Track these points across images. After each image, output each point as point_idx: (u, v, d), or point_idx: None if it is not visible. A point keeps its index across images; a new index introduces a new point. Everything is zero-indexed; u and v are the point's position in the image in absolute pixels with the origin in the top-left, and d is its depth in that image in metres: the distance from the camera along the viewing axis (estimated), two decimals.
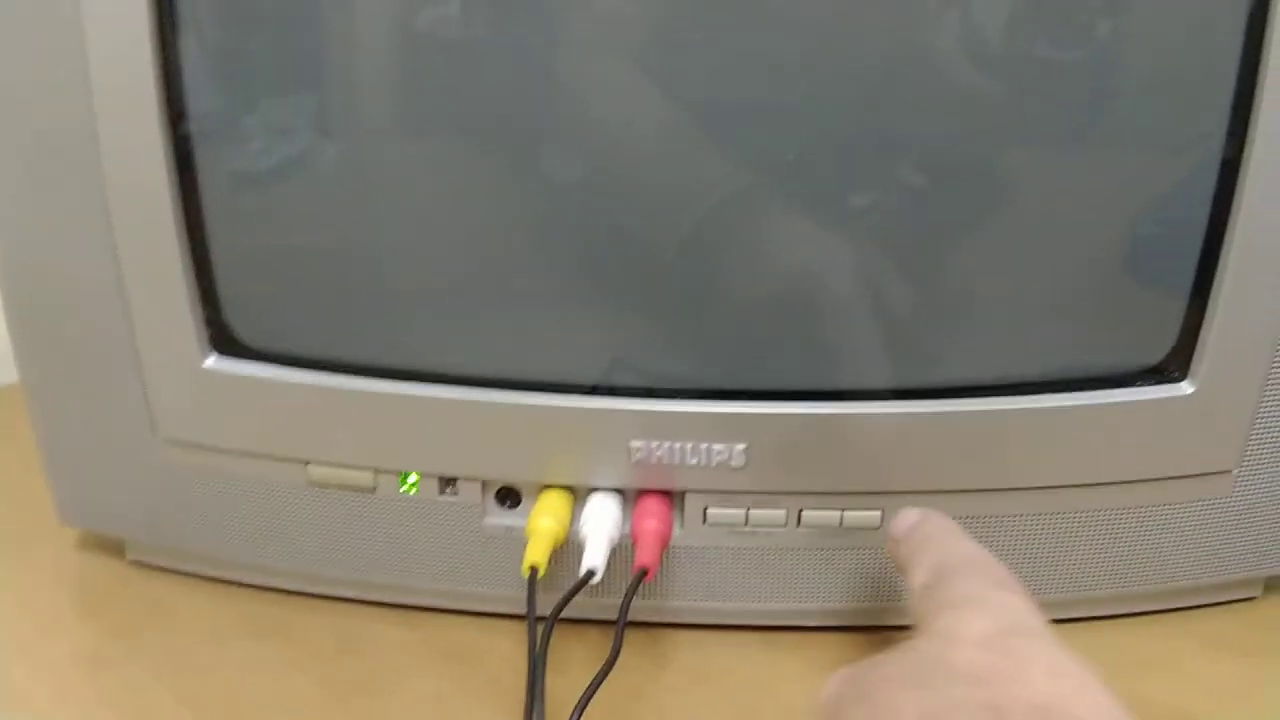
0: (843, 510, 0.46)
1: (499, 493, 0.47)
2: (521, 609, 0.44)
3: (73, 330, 0.46)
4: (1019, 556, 0.47)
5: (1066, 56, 0.41)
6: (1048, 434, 0.45)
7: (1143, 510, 0.47)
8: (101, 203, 0.43)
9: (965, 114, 0.42)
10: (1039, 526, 0.47)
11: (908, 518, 0.42)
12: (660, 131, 0.42)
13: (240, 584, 0.52)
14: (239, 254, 0.45)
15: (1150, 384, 0.45)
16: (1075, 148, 0.43)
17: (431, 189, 0.44)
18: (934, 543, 0.40)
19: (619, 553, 0.46)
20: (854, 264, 0.44)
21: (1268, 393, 0.44)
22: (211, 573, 0.52)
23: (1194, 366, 0.44)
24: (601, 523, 0.45)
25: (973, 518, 0.46)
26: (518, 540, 0.47)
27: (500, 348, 0.46)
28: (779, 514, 0.46)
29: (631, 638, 0.48)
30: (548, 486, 0.47)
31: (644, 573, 0.44)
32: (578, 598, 0.44)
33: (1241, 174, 0.41)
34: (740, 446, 0.45)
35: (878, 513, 0.46)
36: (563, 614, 0.44)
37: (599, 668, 0.42)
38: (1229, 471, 0.46)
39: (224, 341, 0.46)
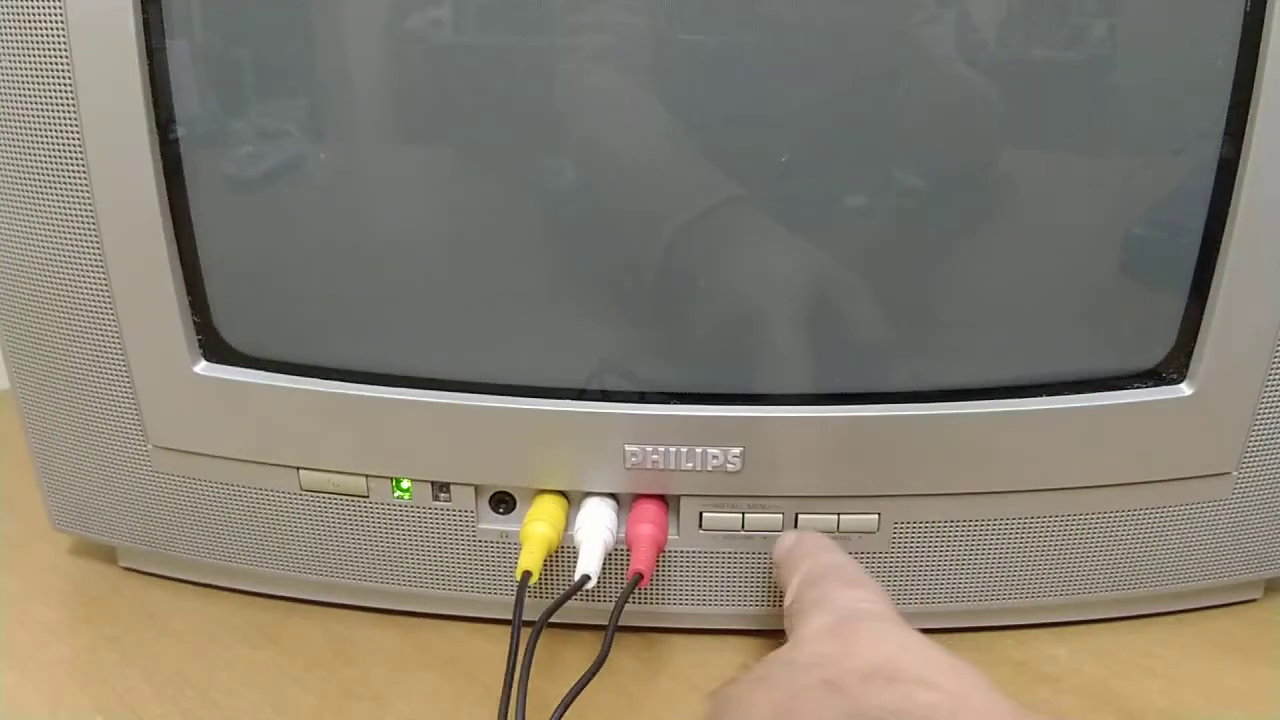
0: (839, 514, 0.46)
1: (493, 498, 0.47)
2: None
3: (63, 337, 0.46)
4: (1018, 560, 0.47)
5: (1063, 57, 0.41)
6: (1046, 436, 0.45)
7: (1142, 513, 0.46)
8: (90, 209, 0.43)
9: (960, 115, 0.42)
10: (1038, 530, 0.47)
11: (784, 541, 0.44)
12: (652, 136, 0.42)
13: (233, 590, 0.52)
14: (228, 260, 0.45)
15: (1149, 386, 0.44)
16: (1072, 149, 0.42)
17: (422, 194, 0.44)
18: (803, 561, 0.42)
19: (614, 558, 0.46)
20: (849, 267, 0.44)
21: (1266, 394, 0.44)
22: (204, 579, 0.52)
23: (1193, 368, 0.44)
24: (596, 528, 0.45)
25: (971, 521, 0.46)
26: (512, 546, 0.47)
27: (493, 352, 0.46)
28: (775, 518, 0.46)
29: (626, 643, 0.48)
30: (542, 492, 0.46)
31: (639, 578, 0.44)
32: (574, 603, 0.43)
33: (1239, 175, 0.41)
34: (735, 450, 0.44)
35: (875, 516, 0.46)
36: (559, 619, 0.43)
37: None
38: (1228, 473, 0.46)
39: (214, 348, 0.46)
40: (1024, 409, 0.44)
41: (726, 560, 0.47)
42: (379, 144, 0.44)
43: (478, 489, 0.47)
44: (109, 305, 0.45)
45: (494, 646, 0.49)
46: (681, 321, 0.45)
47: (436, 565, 0.48)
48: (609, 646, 0.42)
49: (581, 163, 0.43)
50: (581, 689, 0.41)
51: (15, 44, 0.41)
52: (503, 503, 0.47)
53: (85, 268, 0.44)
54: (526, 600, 0.43)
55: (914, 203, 0.43)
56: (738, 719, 0.33)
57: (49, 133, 0.42)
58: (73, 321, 0.45)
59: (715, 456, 0.45)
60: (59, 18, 0.40)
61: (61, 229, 0.44)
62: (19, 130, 0.43)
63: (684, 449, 0.45)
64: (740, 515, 0.46)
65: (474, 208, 0.44)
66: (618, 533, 0.46)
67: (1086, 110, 0.42)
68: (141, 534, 0.50)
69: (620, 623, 0.43)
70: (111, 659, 0.48)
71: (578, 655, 0.47)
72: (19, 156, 0.43)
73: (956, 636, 0.48)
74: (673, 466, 0.45)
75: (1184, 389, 0.44)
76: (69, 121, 0.42)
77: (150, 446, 0.47)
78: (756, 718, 0.33)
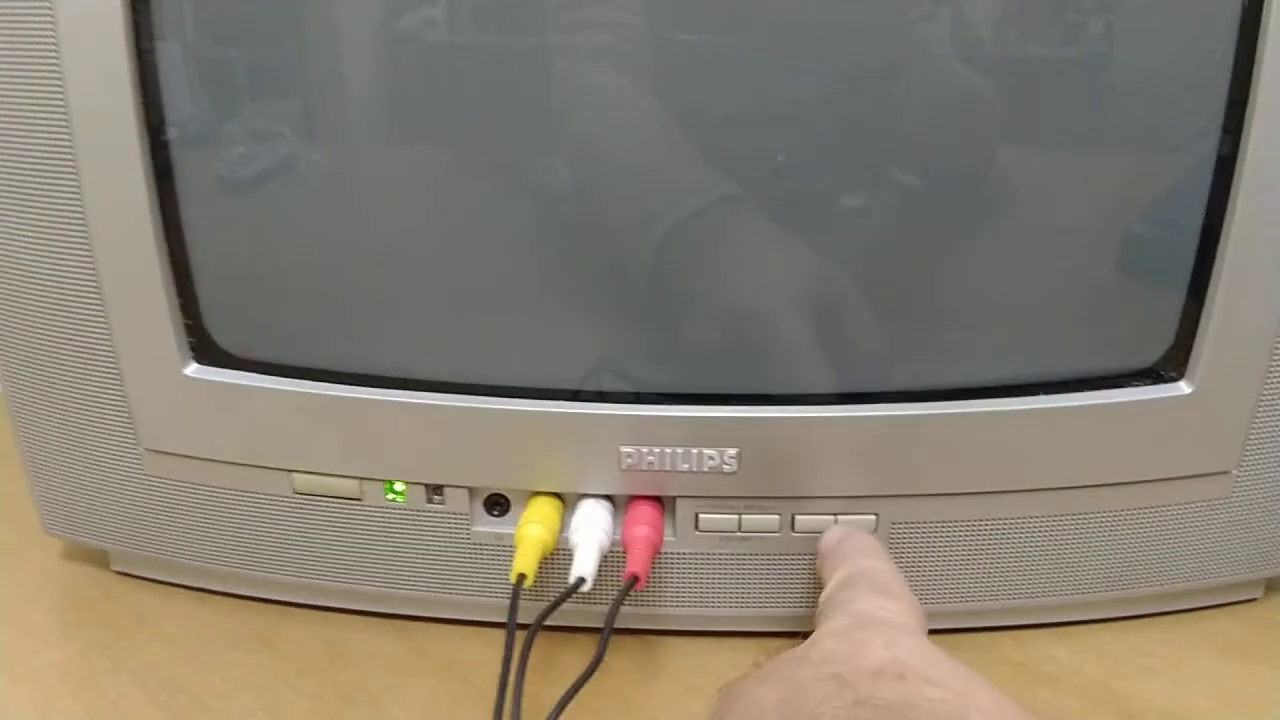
0: (836, 515, 0.46)
1: (487, 500, 0.47)
2: None
3: (53, 340, 0.46)
4: (1016, 560, 0.47)
5: (1060, 55, 0.40)
6: (1044, 435, 0.44)
7: (1141, 512, 0.46)
8: (80, 211, 0.43)
9: (957, 114, 0.41)
10: (1036, 529, 0.46)
11: (830, 535, 0.44)
12: (645, 134, 0.42)
13: (226, 595, 0.52)
14: (220, 262, 0.45)
15: (1147, 384, 0.44)
16: (1070, 147, 0.42)
17: (415, 195, 0.44)
18: (845, 562, 0.42)
19: (610, 560, 0.46)
20: (845, 266, 0.44)
21: (1266, 392, 0.44)
22: (197, 584, 0.52)
23: (1191, 366, 0.44)
24: (591, 530, 0.45)
25: (969, 521, 0.46)
26: (506, 549, 0.46)
27: (487, 353, 0.45)
28: (772, 519, 0.46)
29: (623, 645, 0.48)
30: (536, 494, 0.46)
31: (634, 580, 0.44)
32: (571, 606, 0.43)
33: (1238, 172, 0.41)
34: (732, 451, 0.44)
35: (873, 517, 0.46)
36: (554, 622, 0.43)
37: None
38: (1228, 472, 0.46)
39: (205, 350, 0.45)
40: (1022, 408, 0.44)
41: (723, 562, 0.47)
42: (372, 145, 0.44)
43: (472, 491, 0.46)
44: (99, 308, 0.44)
45: (489, 650, 0.48)
46: (677, 321, 0.45)
47: (430, 568, 0.48)
48: (604, 649, 0.42)
49: (575, 163, 0.43)
50: (576, 691, 0.40)
51: (4, 45, 0.41)
52: (497, 505, 0.47)
53: (75, 270, 0.44)
54: (522, 603, 0.43)
55: (910, 202, 0.43)
56: (745, 713, 0.33)
57: (38, 134, 0.42)
58: (63, 324, 0.45)
59: (711, 457, 0.44)
60: (48, 19, 0.40)
61: (51, 231, 0.43)
62: (8, 131, 0.42)
63: (680, 450, 0.44)
64: (737, 516, 0.46)
65: (467, 208, 0.44)
66: (613, 535, 0.46)
67: (1084, 108, 0.41)
68: (133, 538, 0.50)
69: (616, 625, 0.43)
70: (103, 664, 0.48)
71: (573, 658, 0.47)
72: (8, 157, 0.43)
73: (955, 637, 0.48)
74: (669, 468, 0.45)
75: (1183, 387, 0.44)
76: (59, 123, 0.42)
77: (141, 450, 0.47)
78: (763, 711, 0.33)
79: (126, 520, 0.49)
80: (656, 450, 0.44)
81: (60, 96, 0.41)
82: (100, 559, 0.53)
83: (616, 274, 0.44)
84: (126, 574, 0.53)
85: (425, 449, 0.45)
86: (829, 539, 0.44)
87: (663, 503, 0.46)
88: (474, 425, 0.45)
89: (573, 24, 0.41)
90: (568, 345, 0.45)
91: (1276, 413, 0.45)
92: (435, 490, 0.46)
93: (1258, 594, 0.51)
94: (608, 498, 0.46)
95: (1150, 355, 0.44)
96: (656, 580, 0.47)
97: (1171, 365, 0.44)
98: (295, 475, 0.46)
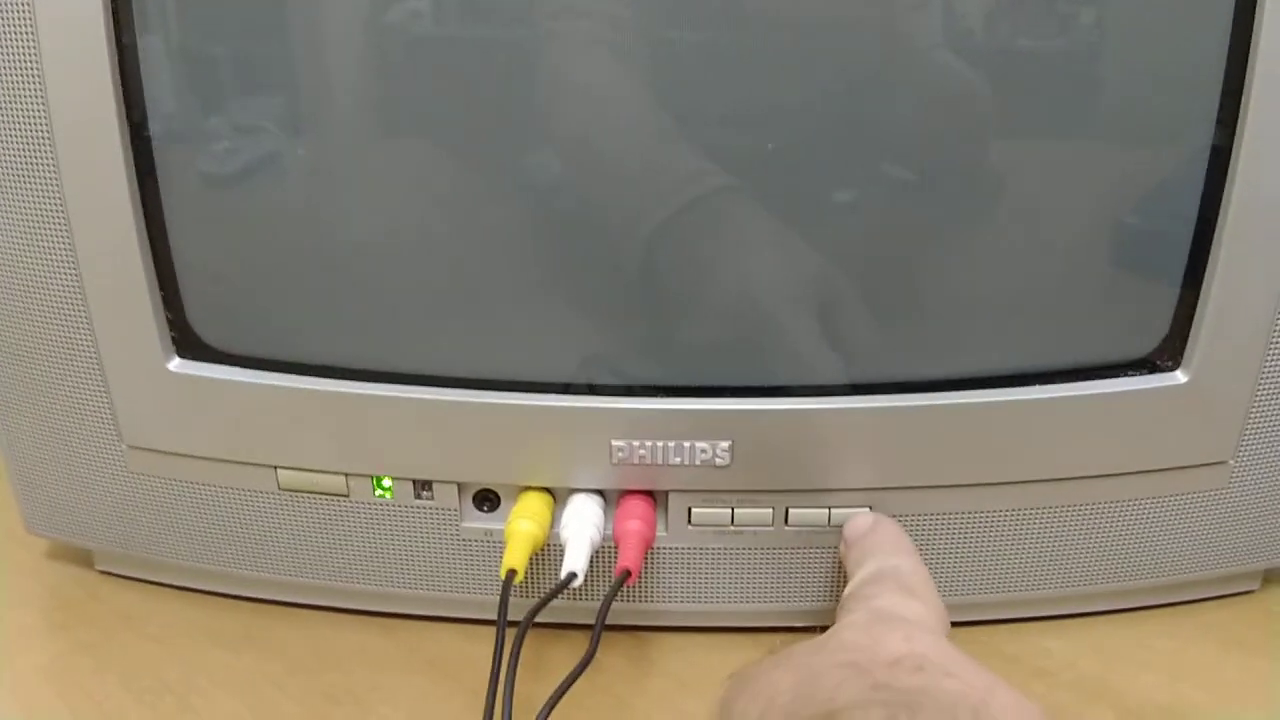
0: (830, 508, 0.45)
1: (476, 496, 0.46)
2: None
3: (34, 335, 0.45)
4: (1011, 552, 0.47)
5: (1051, 46, 0.40)
6: (1039, 426, 0.44)
7: (1137, 503, 0.46)
8: (60, 205, 0.42)
9: (950, 106, 0.41)
10: (1031, 521, 0.46)
11: (859, 523, 0.44)
12: (635, 127, 0.42)
13: (212, 593, 0.51)
14: (203, 256, 0.44)
15: (1143, 374, 0.44)
16: (1064, 138, 0.42)
17: (402, 188, 0.44)
18: (873, 555, 0.42)
19: (601, 555, 0.46)
20: (838, 258, 0.43)
21: (1262, 382, 0.44)
22: (182, 582, 0.51)
23: (1188, 356, 0.43)
24: (582, 525, 0.44)
25: (963, 513, 0.46)
26: (496, 545, 0.46)
27: (474, 346, 0.45)
28: (765, 513, 0.45)
29: (616, 642, 0.48)
30: (527, 489, 0.46)
31: (627, 574, 0.43)
32: (562, 602, 0.43)
33: (1233, 162, 0.40)
34: (724, 444, 0.44)
35: (867, 509, 0.45)
36: (545, 619, 0.43)
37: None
38: (1225, 462, 0.45)
39: (188, 344, 0.45)
40: (1017, 398, 0.43)
41: (716, 556, 0.47)
42: (358, 139, 0.43)
43: (461, 487, 0.46)
44: (80, 303, 0.44)
45: (479, 647, 0.48)
46: (669, 314, 0.45)
47: (419, 565, 0.48)
48: (596, 645, 0.41)
49: (564, 155, 0.42)
50: (567, 688, 0.40)
51: None
52: (487, 501, 0.46)
53: (56, 264, 0.43)
54: (512, 600, 0.42)
55: (903, 194, 0.42)
56: (758, 697, 0.33)
57: (17, 128, 0.41)
58: (44, 319, 0.44)
59: (704, 451, 0.44)
60: (27, 13, 0.39)
61: (31, 225, 0.43)
62: None
63: (672, 443, 0.44)
64: (730, 510, 0.45)
65: (455, 201, 0.43)
66: (605, 530, 0.45)
67: (1078, 99, 0.41)
68: (118, 536, 0.49)
69: (608, 621, 0.42)
70: (88, 664, 0.47)
71: (565, 655, 0.47)
72: None
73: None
74: (660, 461, 0.44)
75: (1179, 377, 0.44)
76: (38, 116, 0.41)
77: (125, 447, 0.47)
78: (776, 695, 0.32)
79: (110, 518, 0.49)
80: (648, 444, 0.44)
81: (40, 91, 0.40)
82: (84, 558, 0.53)
83: (607, 267, 0.44)
84: (111, 573, 0.52)
85: (413, 444, 0.45)
86: (857, 527, 0.44)
87: (655, 497, 0.46)
88: (463, 419, 0.44)
89: (560, 15, 0.40)
90: (558, 338, 0.45)
91: (1273, 402, 0.44)
92: (424, 486, 0.46)
93: (1255, 586, 0.51)
94: (599, 492, 0.46)
95: (1146, 345, 0.44)
96: (648, 575, 0.47)
97: (1167, 355, 0.44)
98: (281, 471, 0.46)
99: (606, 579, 0.46)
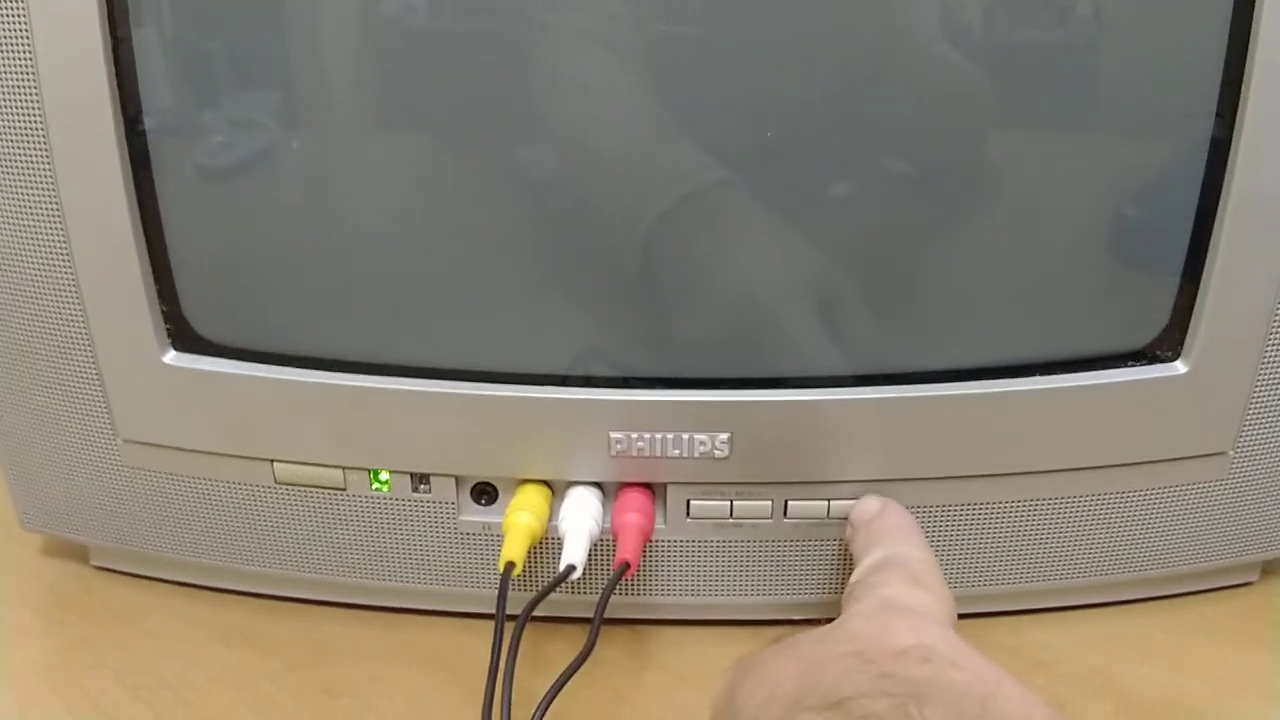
0: (829, 500, 0.45)
1: (474, 489, 0.46)
2: None
3: (27, 328, 0.45)
4: (1010, 544, 0.47)
5: (1050, 38, 0.40)
6: (1039, 417, 0.44)
7: (1137, 494, 0.46)
8: (54, 197, 0.42)
9: (949, 99, 0.41)
10: (1030, 513, 0.46)
11: (866, 508, 0.44)
12: (633, 120, 0.42)
13: (208, 588, 0.51)
14: (199, 249, 0.44)
15: (1143, 365, 0.44)
16: (1064, 130, 0.42)
17: (397, 181, 0.43)
18: (880, 544, 0.41)
19: (600, 549, 0.45)
20: (836, 250, 0.43)
21: (1262, 372, 0.44)
22: (178, 577, 0.51)
23: (1187, 346, 0.43)
24: (581, 518, 0.44)
25: (962, 505, 0.46)
26: (494, 538, 0.46)
27: (473, 339, 0.45)
28: (764, 505, 0.45)
29: (614, 636, 0.48)
30: (525, 481, 0.46)
31: (625, 567, 0.43)
32: (559, 595, 0.43)
33: (1233, 154, 0.40)
34: (723, 436, 0.44)
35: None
36: (543, 612, 0.43)
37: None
38: (1224, 453, 0.45)
39: (184, 337, 0.44)
40: (1016, 389, 0.43)
41: (715, 549, 0.46)
42: (353, 132, 0.43)
43: (458, 480, 0.46)
44: (75, 296, 0.43)
45: (477, 641, 0.47)
46: (666, 307, 0.44)
47: (417, 559, 0.47)
48: (595, 638, 0.41)
49: (561, 148, 0.42)
50: (566, 682, 0.40)
51: None
52: (484, 494, 0.46)
53: (50, 258, 0.43)
54: (510, 593, 0.42)
55: (903, 186, 0.42)
56: (762, 685, 0.33)
57: (11, 121, 0.41)
58: (38, 313, 0.44)
59: (703, 443, 0.44)
60: (22, 6, 0.39)
61: (26, 218, 0.42)
62: None
63: (670, 435, 0.44)
64: (729, 502, 0.45)
65: (451, 194, 0.43)
66: (603, 523, 0.45)
67: (1076, 91, 0.41)
68: (113, 531, 0.49)
69: (607, 615, 0.42)
70: (84, 660, 0.47)
71: (563, 648, 0.46)
72: None
73: None
74: (659, 454, 0.44)
75: (1178, 367, 0.44)
76: (32, 110, 0.40)
77: (120, 440, 0.46)
78: (781, 683, 0.32)
79: (105, 513, 0.49)
80: (647, 436, 0.44)
81: (34, 85, 0.40)
82: (80, 554, 0.53)
83: (605, 261, 0.44)
84: (106, 569, 0.52)
85: (411, 437, 0.45)
86: (864, 511, 0.43)
87: (653, 489, 0.46)
88: (460, 412, 0.44)
89: (557, 8, 0.40)
90: (556, 331, 0.44)
91: (1272, 393, 0.44)
92: (421, 479, 0.46)
93: (1253, 578, 0.51)
94: (597, 485, 0.46)
95: (1146, 336, 0.44)
96: (647, 568, 0.47)
97: (1167, 345, 0.44)
98: (277, 465, 0.46)
99: (605, 572, 0.46)
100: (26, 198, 0.42)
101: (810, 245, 0.43)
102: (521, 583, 0.47)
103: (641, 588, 0.47)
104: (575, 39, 0.40)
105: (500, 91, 0.41)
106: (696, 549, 0.47)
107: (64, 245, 0.43)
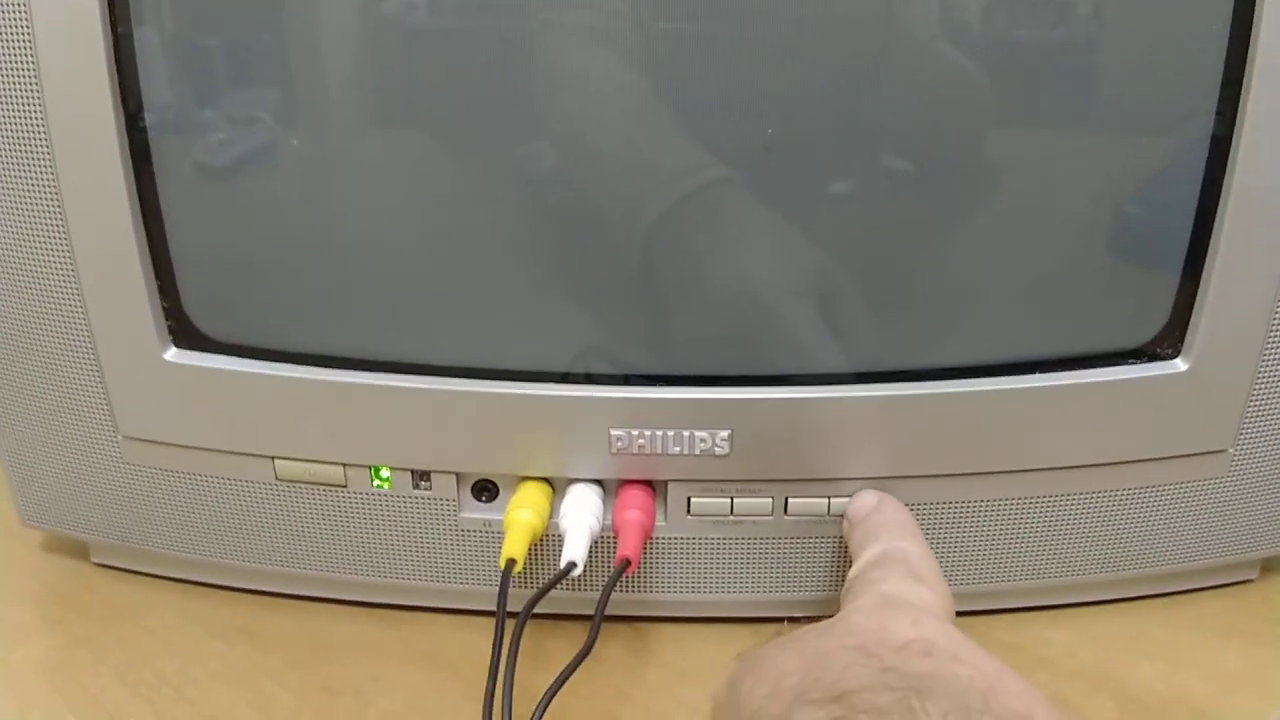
0: (830, 497, 0.45)
1: (475, 486, 0.46)
2: None
3: (29, 325, 0.45)
4: (1011, 542, 0.47)
5: (1050, 36, 0.40)
6: (1039, 415, 0.44)
7: (1137, 492, 0.46)
8: (55, 194, 0.42)
9: (949, 96, 0.41)
10: (1031, 510, 0.46)
11: (863, 502, 0.44)
12: (633, 118, 0.42)
13: (209, 586, 0.51)
14: (199, 246, 0.44)
15: (1143, 362, 0.44)
16: (1064, 127, 0.42)
17: (397, 179, 0.43)
18: (878, 539, 0.41)
19: (600, 546, 0.45)
20: (836, 247, 0.43)
21: (1262, 370, 0.44)
22: (179, 575, 0.51)
23: (1187, 344, 0.43)
24: (582, 515, 0.44)
25: (963, 502, 0.46)
26: (495, 535, 0.46)
27: (474, 336, 0.45)
28: (765, 502, 0.45)
29: (615, 633, 0.48)
30: (525, 479, 0.46)
31: (626, 564, 0.43)
32: (560, 592, 0.43)
33: (1233, 151, 0.40)
34: (724, 433, 0.44)
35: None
36: (544, 609, 0.43)
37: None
38: (1224, 451, 0.45)
39: (184, 334, 0.44)
40: (1017, 387, 0.43)
41: (715, 546, 0.46)
42: (353, 129, 0.43)
43: (459, 477, 0.46)
44: (76, 293, 0.43)
45: (478, 638, 0.47)
46: (667, 304, 0.44)
47: (417, 556, 0.47)
48: (595, 635, 0.41)
49: (561, 146, 0.42)
50: (567, 678, 0.40)
51: None
52: (485, 491, 0.46)
53: (51, 255, 0.43)
54: (511, 590, 0.42)
55: (903, 184, 0.42)
56: (765, 678, 0.33)
57: (12, 118, 0.41)
58: (39, 310, 0.44)
59: (703, 440, 0.44)
60: (22, 2, 0.39)
61: (26, 215, 0.42)
62: None
63: (671, 432, 0.44)
64: (729, 499, 0.45)
65: (452, 192, 0.43)
66: (604, 519, 0.45)
67: (1076, 89, 0.41)
68: (114, 528, 0.49)
69: (607, 612, 0.42)
70: (84, 658, 0.47)
71: (564, 646, 0.46)
72: None
73: None
74: (659, 451, 0.44)
75: (1179, 365, 0.44)
76: (33, 107, 0.41)
77: (120, 437, 0.46)
78: (784, 677, 0.32)
79: (106, 510, 0.48)
80: (647, 433, 0.44)
81: (35, 81, 0.40)
82: (80, 550, 0.53)
83: (606, 258, 0.44)
84: (107, 566, 0.52)
85: (412, 434, 0.44)
86: (861, 506, 0.44)
87: (654, 486, 0.46)
88: (461, 409, 0.44)
89: (556, 5, 0.40)
90: (557, 328, 0.44)
91: (1272, 391, 0.44)
92: (422, 476, 0.46)
93: (1253, 575, 0.51)
94: (598, 482, 0.46)
95: (1146, 333, 0.44)
96: (647, 565, 0.47)
97: (1167, 343, 0.44)
98: (278, 462, 0.46)
99: (606, 569, 0.46)
100: (27, 194, 0.42)
101: (810, 243, 0.43)
102: (522, 580, 0.47)
103: (642, 585, 0.47)
104: (575, 36, 0.40)
105: (500, 89, 0.41)
106: (697, 546, 0.47)
107: (65, 242, 0.43)
